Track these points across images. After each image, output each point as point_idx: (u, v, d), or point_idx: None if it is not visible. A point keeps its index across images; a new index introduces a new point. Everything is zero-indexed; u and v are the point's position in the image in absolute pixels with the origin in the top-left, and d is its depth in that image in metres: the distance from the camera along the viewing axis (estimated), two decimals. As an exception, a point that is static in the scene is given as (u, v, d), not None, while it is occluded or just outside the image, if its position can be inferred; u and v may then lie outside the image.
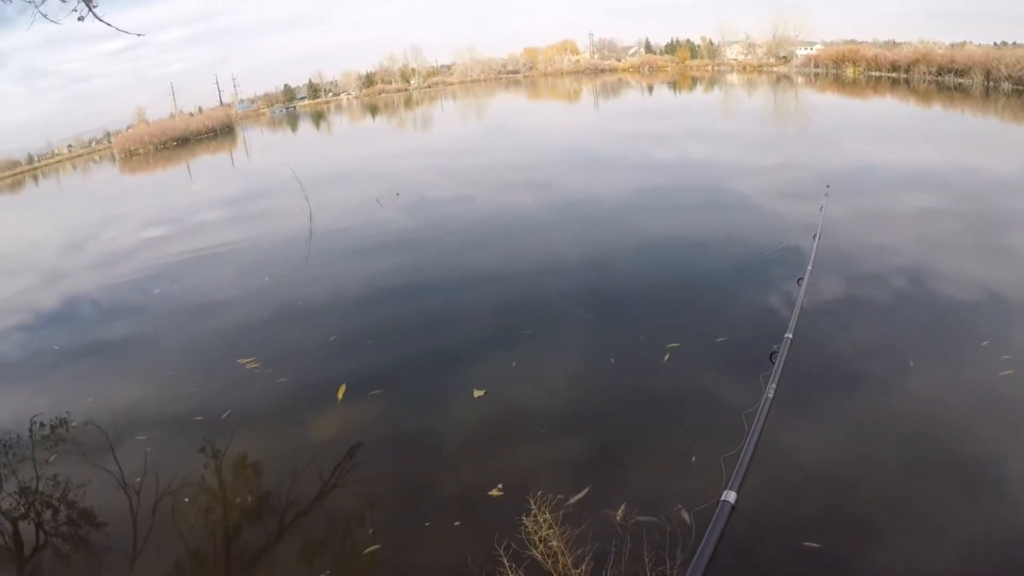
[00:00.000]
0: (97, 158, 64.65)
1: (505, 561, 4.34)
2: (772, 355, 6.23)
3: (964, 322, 7.74)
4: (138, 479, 6.15)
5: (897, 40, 66.67)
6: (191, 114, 78.24)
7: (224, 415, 7.16)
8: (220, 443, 6.61)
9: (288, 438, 6.67)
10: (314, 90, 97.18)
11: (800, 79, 58.74)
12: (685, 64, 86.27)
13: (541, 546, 4.47)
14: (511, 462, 5.76)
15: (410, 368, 7.81)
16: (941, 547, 4.49)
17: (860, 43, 66.77)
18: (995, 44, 55.87)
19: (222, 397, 7.61)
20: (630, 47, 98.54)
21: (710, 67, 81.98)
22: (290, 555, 5.05)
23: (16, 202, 42.57)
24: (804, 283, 8.29)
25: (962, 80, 42.87)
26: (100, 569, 5.22)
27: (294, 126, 64.02)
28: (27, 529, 5.76)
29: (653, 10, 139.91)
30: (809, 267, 8.75)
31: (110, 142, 69.93)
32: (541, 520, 4.61)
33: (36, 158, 68.70)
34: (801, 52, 71.06)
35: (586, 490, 5.19)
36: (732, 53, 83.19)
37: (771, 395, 5.26)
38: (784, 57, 72.29)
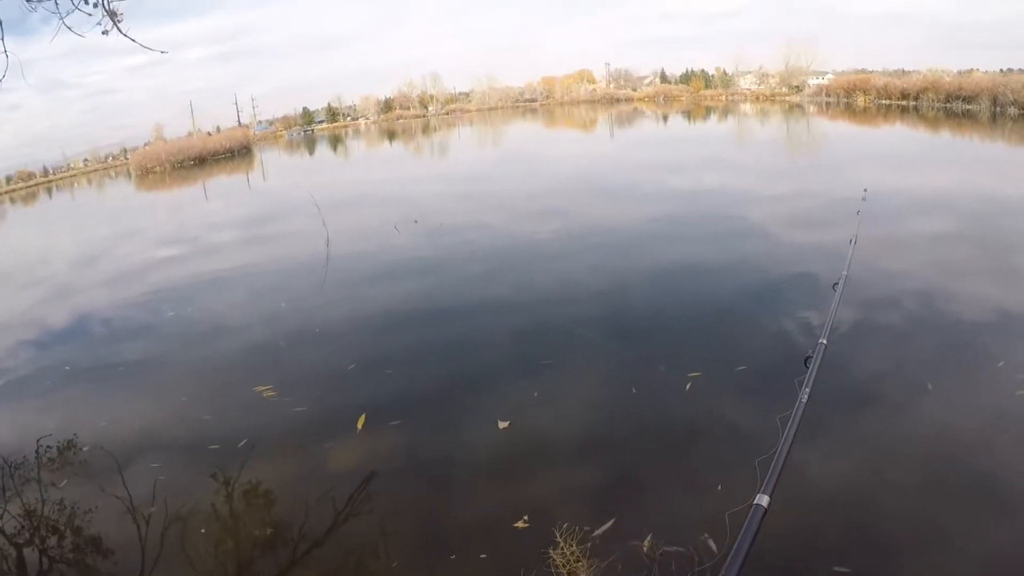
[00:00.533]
0: (113, 174, 65.18)
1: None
2: (807, 360, 6.31)
3: (979, 343, 7.87)
4: (151, 508, 6.02)
5: (906, 69, 66.93)
6: (209, 133, 78.67)
7: (241, 444, 7.04)
8: (236, 472, 6.50)
9: (307, 469, 6.54)
10: (333, 114, 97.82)
11: (812, 108, 58.99)
12: (699, 94, 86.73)
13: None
14: (535, 493, 5.67)
15: (430, 398, 7.72)
16: (960, 565, 4.55)
17: (870, 72, 67.10)
18: (1001, 71, 56.03)
19: (238, 425, 7.50)
20: (645, 77, 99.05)
21: (724, 97, 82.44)
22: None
23: (30, 215, 42.86)
24: (840, 287, 8.30)
25: (969, 106, 43.33)
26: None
27: (312, 149, 64.34)
28: (32, 556, 5.64)
29: (669, 41, 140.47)
30: (845, 272, 8.78)
31: (127, 158, 70.39)
32: (568, 553, 4.65)
33: (52, 171, 69.24)
34: (813, 82, 71.47)
35: (612, 521, 5.15)
36: (745, 83, 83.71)
37: (805, 399, 5.33)
38: (796, 87, 72.62)
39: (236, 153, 64.13)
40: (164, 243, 20.35)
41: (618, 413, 7.07)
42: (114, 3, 7.10)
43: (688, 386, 7.34)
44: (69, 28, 7.01)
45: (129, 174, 58.28)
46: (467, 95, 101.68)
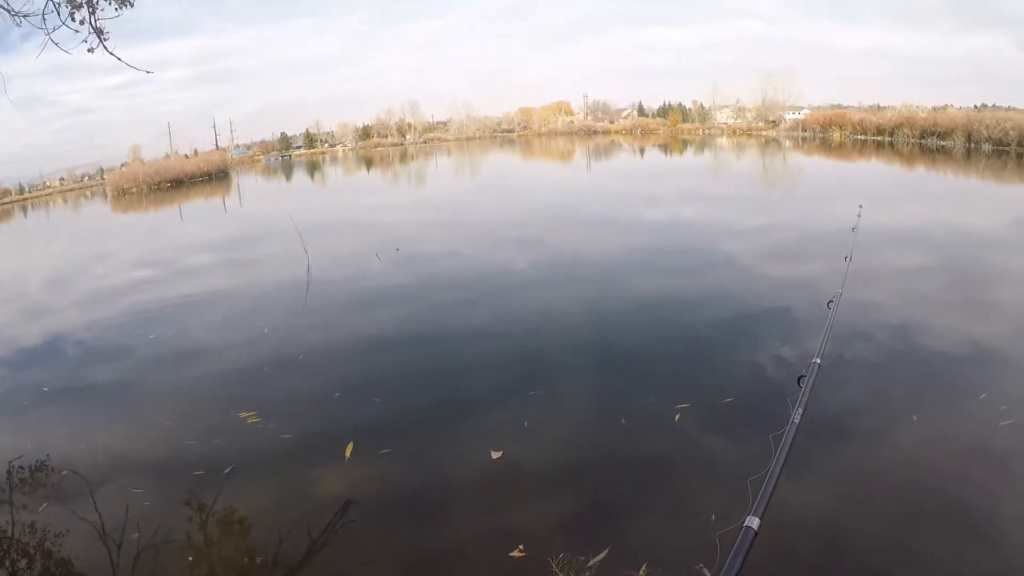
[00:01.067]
0: (89, 193, 64.58)
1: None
2: (800, 379, 6.29)
3: (959, 375, 8.08)
4: (135, 534, 5.86)
5: (882, 104, 68.50)
6: (187, 156, 78.36)
7: (226, 470, 6.91)
8: (222, 500, 6.36)
9: (295, 497, 6.40)
10: (311, 140, 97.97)
11: (788, 143, 59.88)
12: (677, 127, 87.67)
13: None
14: (529, 523, 5.62)
15: (418, 427, 7.66)
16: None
17: (846, 107, 68.50)
18: (975, 107, 57.26)
19: (223, 451, 7.35)
20: (623, 109, 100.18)
21: (701, 130, 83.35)
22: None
23: (4, 233, 42.13)
24: (835, 306, 8.31)
25: (944, 142, 44.12)
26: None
27: (289, 175, 64.23)
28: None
29: (647, 73, 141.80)
30: (840, 290, 8.85)
31: (103, 178, 69.92)
32: None
33: (27, 188, 68.61)
34: (789, 116, 72.42)
35: (606, 551, 5.13)
36: (722, 117, 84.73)
37: (798, 420, 5.29)
38: (773, 121, 73.52)
39: (214, 176, 63.91)
40: (142, 265, 20.09)
41: (606, 443, 7.06)
42: (100, 21, 7.06)
43: (677, 417, 7.36)
44: (56, 44, 6.96)
45: (105, 194, 57.82)
46: (445, 124, 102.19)
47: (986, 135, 40.33)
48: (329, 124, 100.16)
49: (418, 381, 9.10)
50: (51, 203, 58.16)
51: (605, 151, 65.33)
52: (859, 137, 56.52)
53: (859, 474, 6.01)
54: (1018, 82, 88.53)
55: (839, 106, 70.82)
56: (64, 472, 7.19)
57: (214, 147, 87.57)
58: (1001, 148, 38.52)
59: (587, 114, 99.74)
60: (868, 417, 7.09)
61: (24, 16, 6.86)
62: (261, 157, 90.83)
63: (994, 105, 56.87)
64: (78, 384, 10.15)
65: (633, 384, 8.49)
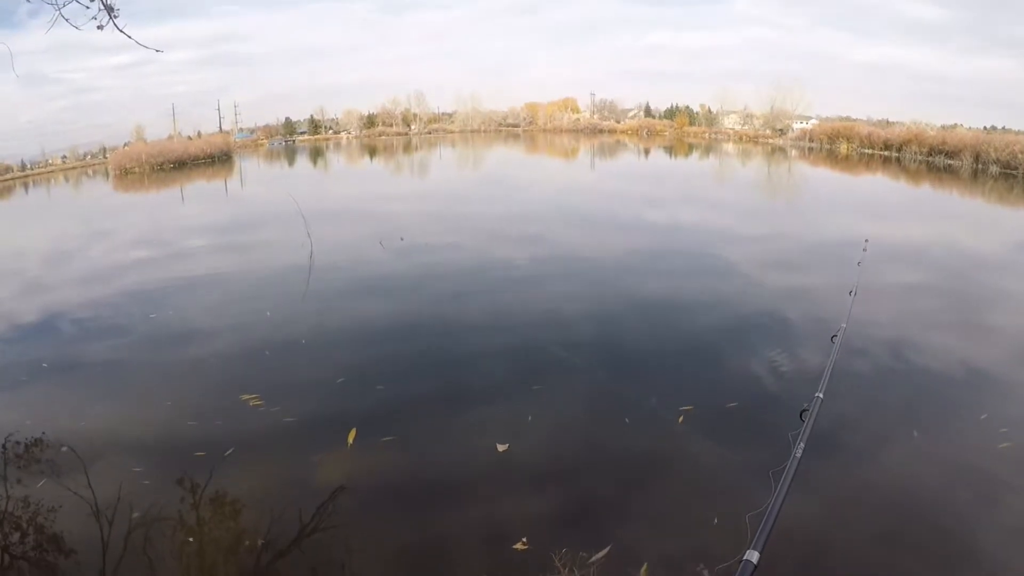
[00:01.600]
0: (91, 172, 64.28)
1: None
2: (802, 413, 6.26)
3: (957, 396, 8.14)
4: (135, 514, 5.80)
5: (891, 119, 68.44)
6: (190, 137, 78.12)
7: (227, 452, 6.86)
8: (223, 482, 6.30)
9: (296, 482, 6.38)
10: (315, 126, 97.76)
11: (794, 152, 59.82)
12: (683, 130, 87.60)
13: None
14: (533, 515, 5.64)
15: (421, 416, 7.62)
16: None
17: (855, 120, 68.42)
18: (985, 128, 57.26)
19: (224, 433, 7.30)
20: (630, 110, 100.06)
21: (707, 135, 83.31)
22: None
23: (5, 209, 41.83)
24: (839, 340, 8.31)
25: (952, 161, 44.04)
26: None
27: (291, 160, 63.99)
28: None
29: (655, 75, 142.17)
30: (844, 324, 8.83)
31: (105, 157, 69.61)
32: None
33: (29, 165, 68.33)
34: (797, 125, 72.25)
35: (607, 548, 5.12)
36: (729, 122, 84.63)
37: (799, 454, 5.24)
38: (780, 130, 73.44)
39: (216, 159, 63.61)
40: (144, 245, 19.97)
41: (608, 439, 7.10)
42: (111, -2, 6.95)
43: (680, 419, 7.36)
44: (67, 20, 6.83)
45: (107, 173, 57.55)
46: (450, 116, 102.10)
47: (994, 157, 40.35)
48: (334, 111, 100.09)
49: (420, 370, 9.07)
50: (52, 181, 57.81)
51: (610, 150, 65.39)
52: (866, 151, 56.50)
53: (860, 501, 5.95)
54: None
55: (847, 118, 70.90)
56: (63, 448, 7.10)
57: (218, 130, 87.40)
58: (1008, 171, 38.52)
59: (593, 112, 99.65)
60: (872, 441, 7.05)
61: (36, -10, 6.73)
62: (265, 141, 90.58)
63: (1004, 128, 57.05)
64: (78, 361, 10.03)
65: (635, 384, 8.52)
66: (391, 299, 12.57)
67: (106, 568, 5.16)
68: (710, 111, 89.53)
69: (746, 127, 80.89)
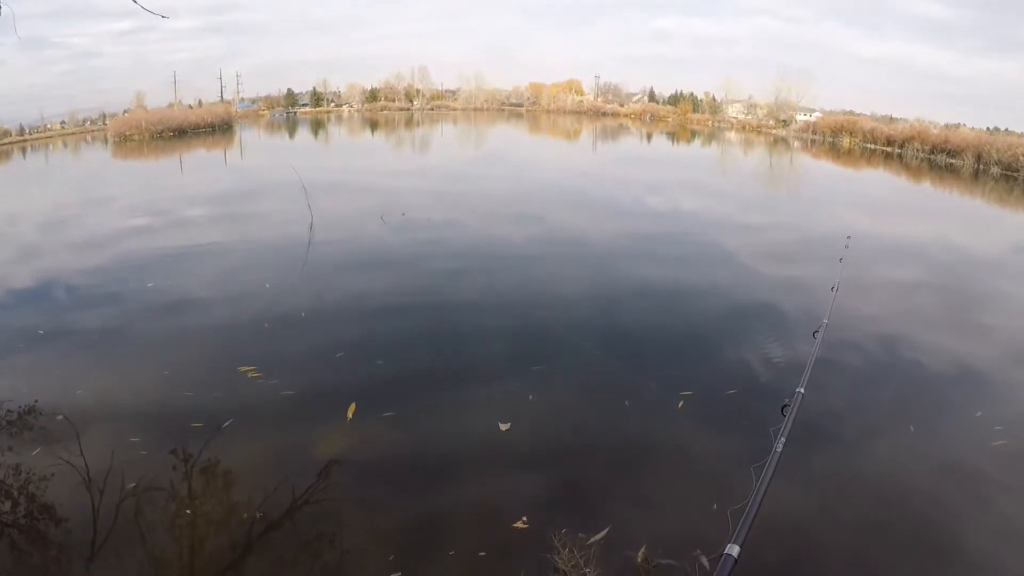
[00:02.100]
0: (89, 138, 63.79)
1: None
2: (784, 408, 6.28)
3: (945, 392, 8.33)
4: (130, 484, 5.78)
5: (895, 116, 68.19)
6: (191, 106, 77.53)
7: (225, 424, 6.84)
8: (222, 455, 6.28)
9: (297, 456, 6.36)
10: (317, 98, 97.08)
11: (797, 144, 59.68)
12: (686, 117, 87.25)
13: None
14: (533, 495, 5.68)
15: (421, 392, 7.63)
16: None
17: (858, 115, 68.14)
18: (988, 129, 57.19)
19: (223, 404, 7.28)
20: (634, 94, 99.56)
21: (710, 122, 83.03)
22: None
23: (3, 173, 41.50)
24: (820, 336, 8.38)
25: (953, 160, 43.99)
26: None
27: (292, 132, 63.65)
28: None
29: (661, 61, 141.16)
30: (826, 320, 8.93)
31: (105, 124, 69.02)
32: (569, 559, 4.68)
33: (28, 130, 67.82)
34: (801, 117, 72.04)
35: (606, 530, 5.16)
36: (733, 111, 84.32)
37: (780, 449, 5.26)
38: (784, 121, 73.21)
39: (217, 128, 63.15)
40: (142, 213, 19.76)
41: (608, 418, 7.18)
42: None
43: (681, 404, 7.44)
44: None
45: (106, 140, 57.09)
46: (454, 93, 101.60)
47: (996, 158, 40.34)
48: (337, 84, 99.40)
49: (420, 346, 9.09)
50: (51, 146, 57.29)
51: (612, 134, 65.34)
52: (869, 146, 56.39)
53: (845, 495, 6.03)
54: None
55: (851, 113, 70.61)
56: (58, 417, 7.03)
57: (219, 99, 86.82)
58: (1009, 173, 38.55)
59: (597, 95, 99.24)
60: (857, 430, 7.17)
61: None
62: (266, 112, 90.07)
63: (1007, 130, 56.92)
64: (74, 328, 9.94)
65: (631, 363, 8.61)
66: (392, 274, 12.58)
67: (98, 537, 5.15)
68: (714, 99, 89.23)
69: (749, 117, 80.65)
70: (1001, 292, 13.34)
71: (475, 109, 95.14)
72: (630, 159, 42.57)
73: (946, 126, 58.77)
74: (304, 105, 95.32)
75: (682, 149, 53.01)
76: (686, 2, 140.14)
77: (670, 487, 5.99)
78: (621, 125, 77.74)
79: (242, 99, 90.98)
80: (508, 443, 6.59)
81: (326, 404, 7.33)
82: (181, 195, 23.87)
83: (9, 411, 7.21)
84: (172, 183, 29.36)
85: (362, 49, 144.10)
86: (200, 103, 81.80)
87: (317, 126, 70.42)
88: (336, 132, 64.06)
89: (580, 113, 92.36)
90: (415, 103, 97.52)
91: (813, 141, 62.39)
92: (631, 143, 57.17)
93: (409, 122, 75.46)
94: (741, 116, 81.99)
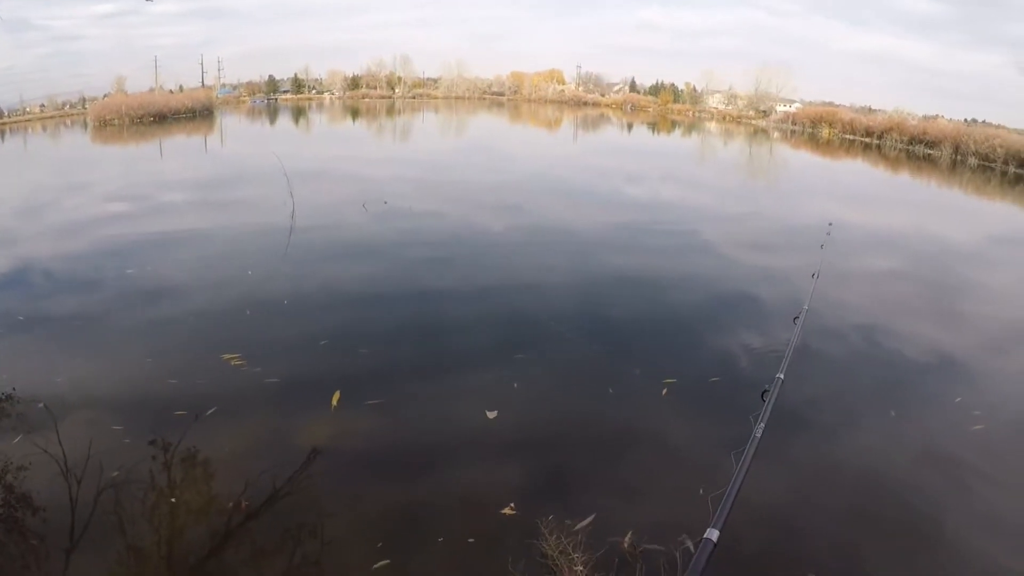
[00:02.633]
0: (69, 122, 63.05)
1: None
2: (763, 394, 6.38)
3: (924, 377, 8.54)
4: (115, 473, 5.72)
5: (873, 107, 68.67)
6: (171, 91, 76.85)
7: (210, 412, 6.80)
8: (205, 443, 6.24)
9: (282, 444, 6.34)
10: (298, 85, 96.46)
11: (776, 134, 60.06)
12: (667, 107, 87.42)
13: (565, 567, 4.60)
14: (520, 482, 5.74)
15: (406, 380, 7.63)
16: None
17: (838, 106, 68.59)
18: (965, 120, 57.76)
19: (206, 392, 7.23)
20: (615, 84, 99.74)
21: (691, 113, 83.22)
22: (290, 571, 4.83)
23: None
24: (800, 321, 8.55)
25: (931, 151, 44.47)
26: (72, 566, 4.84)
27: (273, 119, 63.21)
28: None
29: (642, 51, 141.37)
30: (806, 307, 9.13)
31: (84, 108, 68.20)
32: (555, 544, 4.74)
33: (6, 113, 66.98)
34: (780, 108, 72.39)
35: (592, 516, 5.23)
36: (713, 102, 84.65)
37: (759, 435, 5.35)
38: (763, 111, 73.53)
39: (198, 114, 62.52)
40: (122, 199, 19.37)
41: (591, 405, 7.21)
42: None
43: (664, 391, 7.52)
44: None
45: (86, 124, 56.42)
46: (435, 81, 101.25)
47: (973, 149, 40.89)
48: (319, 71, 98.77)
49: (404, 334, 9.07)
50: (29, 129, 56.54)
51: (593, 123, 65.29)
52: (848, 136, 56.88)
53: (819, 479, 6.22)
54: (1011, 103, 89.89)
55: (831, 104, 71.15)
56: (39, 405, 6.93)
57: (200, 85, 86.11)
58: (986, 164, 39.17)
59: (579, 85, 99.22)
60: (836, 423, 7.27)
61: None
62: (247, 98, 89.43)
63: (984, 121, 57.51)
64: (55, 315, 9.78)
65: (615, 351, 8.70)
66: (374, 262, 12.58)
67: (78, 526, 5.12)
68: (695, 90, 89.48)
69: (730, 107, 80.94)
70: (977, 281, 13.55)
71: (456, 98, 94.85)
72: (610, 150, 42.51)
73: (924, 117, 59.23)
74: (285, 92, 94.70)
75: (662, 139, 53.16)
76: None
77: (654, 473, 6.06)
78: (602, 115, 77.68)
79: (223, 85, 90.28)
80: (494, 431, 6.62)
81: (310, 391, 7.33)
82: (162, 181, 23.57)
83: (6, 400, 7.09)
84: (153, 169, 28.96)
85: (345, 36, 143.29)
86: (181, 88, 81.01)
87: (298, 113, 69.92)
88: (317, 119, 63.54)
89: (561, 103, 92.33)
90: (396, 91, 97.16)
91: (792, 132, 62.81)
92: (611, 133, 57.23)
93: (390, 110, 75.05)
94: (721, 106, 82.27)
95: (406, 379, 7.69)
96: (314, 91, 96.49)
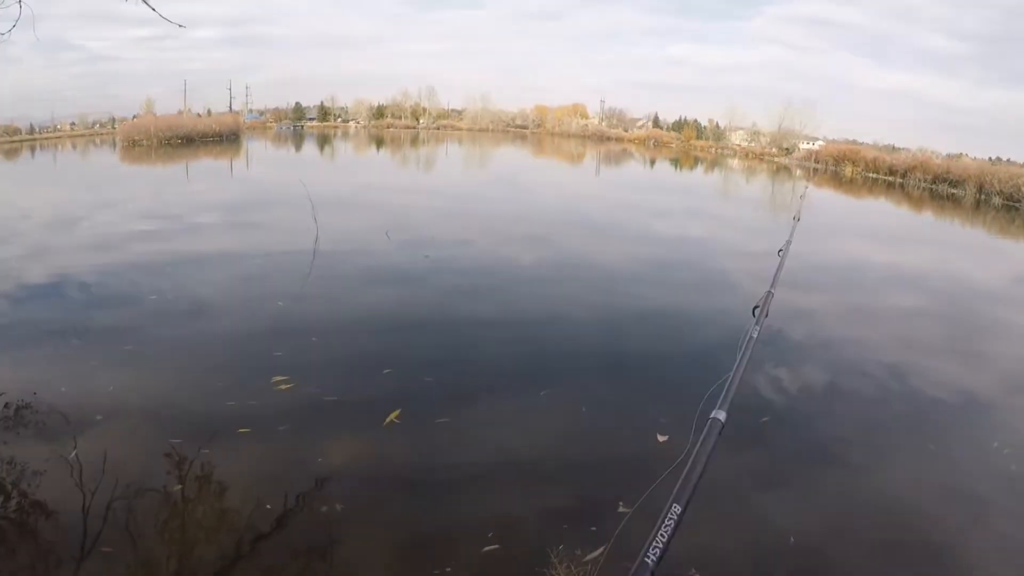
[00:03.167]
0: (98, 141, 64.13)
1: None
2: (754, 310, 6.37)
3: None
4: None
5: (897, 145, 68.83)
6: (199, 115, 78.02)
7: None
8: (232, 461, 6.24)
9: (304, 463, 6.31)
10: (324, 113, 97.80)
11: (799, 172, 59.96)
12: (690, 143, 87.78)
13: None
14: (530, 513, 5.66)
15: (430, 406, 7.55)
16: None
17: (861, 144, 68.81)
18: (990, 159, 57.73)
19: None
20: (639, 119, 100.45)
21: (714, 149, 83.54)
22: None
23: (12, 170, 41.41)
24: (784, 254, 8.33)
25: (955, 190, 44.35)
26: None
27: (299, 145, 63.98)
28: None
29: (666, 87, 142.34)
30: (789, 238, 8.67)
31: (114, 127, 69.56)
32: (564, 573, 4.70)
33: (38, 129, 68.19)
34: (804, 146, 72.50)
35: (603, 548, 5.09)
36: (736, 138, 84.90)
37: (755, 335, 5.33)
38: (786, 149, 73.64)
39: (225, 138, 63.56)
40: (149, 218, 19.83)
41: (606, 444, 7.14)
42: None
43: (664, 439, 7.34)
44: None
45: (115, 144, 57.33)
46: (459, 113, 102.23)
47: (998, 188, 40.72)
48: (345, 99, 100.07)
49: (426, 363, 8.95)
50: (59, 146, 57.57)
51: (616, 158, 65.55)
52: (871, 175, 56.80)
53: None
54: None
55: (854, 142, 71.32)
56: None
57: (228, 109, 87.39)
58: (1011, 203, 38.90)
59: (602, 119, 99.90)
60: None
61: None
62: (273, 124, 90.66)
63: (1009, 160, 57.44)
64: (84, 327, 9.83)
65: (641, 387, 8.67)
66: (395, 289, 12.65)
67: (89, 535, 5.07)
68: (718, 126, 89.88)
69: (752, 144, 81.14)
70: (1001, 321, 13.48)
71: (480, 130, 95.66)
72: (632, 184, 42.80)
73: (948, 156, 59.27)
74: (311, 119, 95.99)
75: (685, 175, 53.23)
76: (699, 30, 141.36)
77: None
78: (624, 150, 78.07)
79: (251, 110, 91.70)
80: (515, 458, 6.62)
81: (368, 411, 7.37)
82: (189, 202, 23.97)
83: (7, 405, 7.15)
84: (180, 190, 29.40)
85: (372, 66, 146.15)
86: (209, 112, 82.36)
87: (323, 141, 70.79)
88: (342, 147, 64.24)
89: (584, 137, 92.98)
90: (421, 121, 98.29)
91: (815, 169, 62.70)
92: (634, 168, 57.42)
93: (415, 140, 75.80)
94: (744, 143, 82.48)
95: (429, 406, 7.64)
96: (339, 119, 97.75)
